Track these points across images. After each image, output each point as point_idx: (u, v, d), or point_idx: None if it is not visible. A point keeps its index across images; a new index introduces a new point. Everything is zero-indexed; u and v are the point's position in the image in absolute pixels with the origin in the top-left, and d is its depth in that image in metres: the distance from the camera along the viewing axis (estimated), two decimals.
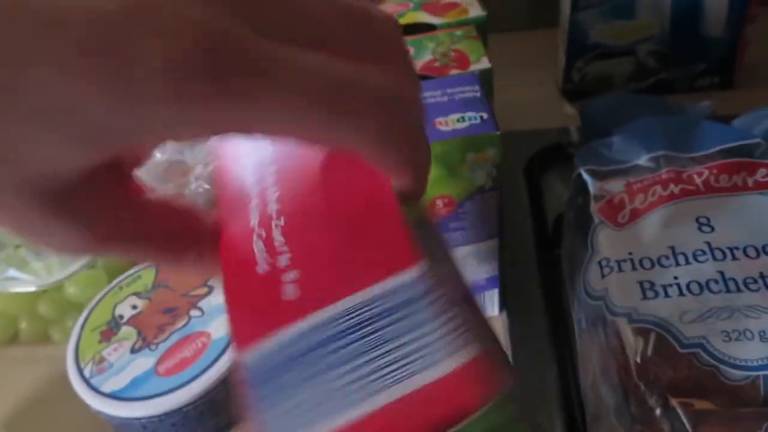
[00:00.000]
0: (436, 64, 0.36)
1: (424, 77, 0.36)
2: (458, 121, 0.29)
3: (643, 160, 0.34)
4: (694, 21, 0.50)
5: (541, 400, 0.33)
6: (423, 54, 0.37)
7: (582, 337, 0.31)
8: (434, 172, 0.30)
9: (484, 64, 0.36)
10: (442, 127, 0.29)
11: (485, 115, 0.29)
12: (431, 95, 0.31)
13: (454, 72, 0.36)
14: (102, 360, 0.37)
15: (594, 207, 0.33)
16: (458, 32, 0.39)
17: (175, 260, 0.18)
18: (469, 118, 0.29)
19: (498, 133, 0.29)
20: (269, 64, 0.13)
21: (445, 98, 0.31)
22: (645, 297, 0.28)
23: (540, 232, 0.45)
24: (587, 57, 0.54)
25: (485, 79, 0.36)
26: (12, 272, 0.40)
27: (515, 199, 0.47)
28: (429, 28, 0.40)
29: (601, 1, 0.50)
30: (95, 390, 0.35)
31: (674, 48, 0.52)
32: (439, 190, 0.29)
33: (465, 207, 0.31)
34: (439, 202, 0.31)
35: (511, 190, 0.47)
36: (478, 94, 0.31)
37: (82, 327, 0.39)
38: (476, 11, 0.41)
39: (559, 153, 0.51)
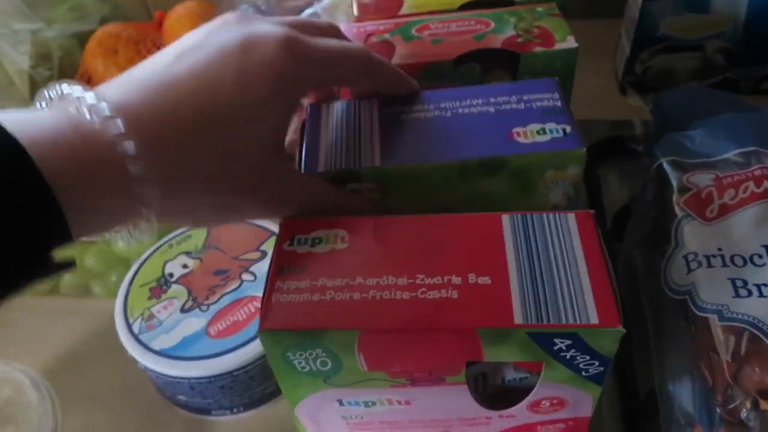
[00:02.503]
0: (519, 40, 0.35)
1: (506, 52, 0.35)
2: (538, 133, 0.27)
3: (731, 154, 0.33)
4: None
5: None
6: (504, 29, 0.36)
7: (659, 332, 0.30)
8: (507, 186, 0.28)
9: (571, 43, 0.34)
10: (521, 139, 0.27)
11: (568, 128, 0.27)
12: (505, 101, 0.29)
13: (538, 50, 0.34)
14: (151, 317, 0.36)
15: (678, 199, 0.32)
16: (540, 8, 0.37)
17: None
18: (551, 131, 0.27)
19: (584, 150, 0.26)
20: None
21: (522, 105, 0.29)
22: (737, 295, 0.27)
23: (600, 224, 0.44)
24: (653, 49, 0.52)
25: (571, 59, 0.35)
26: None
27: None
28: (508, 3, 0.39)
29: None
30: (145, 346, 0.34)
31: (744, 47, 0.51)
32: (509, 208, 0.26)
33: None
34: None
35: None
36: (559, 103, 0.28)
37: (131, 282, 0.38)
38: None
39: (617, 145, 0.50)
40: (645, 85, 0.54)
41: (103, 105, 0.21)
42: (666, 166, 0.34)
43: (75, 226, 0.20)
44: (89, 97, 0.21)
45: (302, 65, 0.25)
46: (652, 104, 0.43)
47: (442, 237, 0.25)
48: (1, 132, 0.19)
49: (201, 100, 0.23)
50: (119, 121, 0.21)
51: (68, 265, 0.21)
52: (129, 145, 0.21)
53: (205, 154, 0.23)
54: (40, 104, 0.23)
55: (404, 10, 0.39)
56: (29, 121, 0.20)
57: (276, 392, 0.37)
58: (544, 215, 0.25)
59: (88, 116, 0.21)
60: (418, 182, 0.27)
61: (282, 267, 0.24)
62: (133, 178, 0.21)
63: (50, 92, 0.22)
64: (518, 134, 0.27)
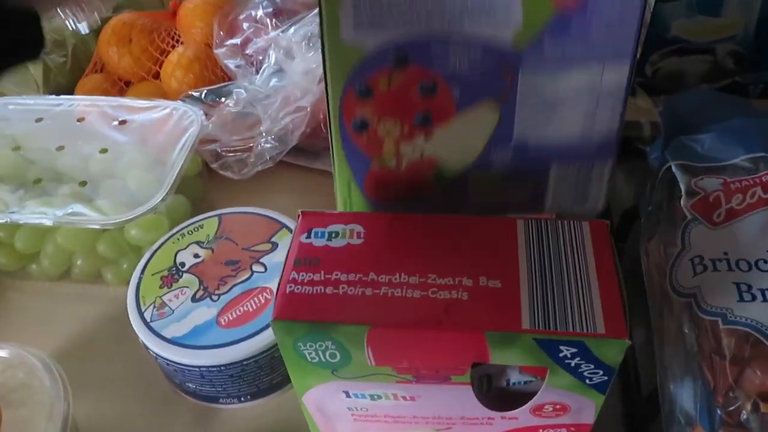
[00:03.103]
0: None
1: None
2: None
3: (740, 160, 0.33)
4: None
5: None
6: None
7: (662, 332, 0.31)
8: None
9: None
10: None
11: None
12: None
13: None
14: (163, 305, 0.36)
15: (686, 202, 0.32)
16: None
17: None
18: None
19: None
20: None
21: None
22: (742, 299, 0.28)
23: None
24: (664, 51, 0.53)
25: None
26: (77, 207, 0.40)
27: None
28: None
29: None
30: (157, 334, 0.35)
31: (755, 51, 0.51)
32: None
33: None
34: None
35: None
36: None
37: (143, 270, 0.38)
38: None
39: (625, 145, 0.50)
40: (654, 86, 0.54)
41: None
42: (675, 170, 0.34)
43: None
44: None
45: None
46: (661, 106, 0.43)
47: (456, 238, 0.25)
48: None
49: None
50: None
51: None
52: None
53: None
54: None
55: None
56: None
57: (283, 382, 0.37)
58: (559, 222, 0.25)
59: None
60: None
61: (298, 259, 0.25)
62: None
63: None
64: None
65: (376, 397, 0.26)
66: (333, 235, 0.26)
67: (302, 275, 0.24)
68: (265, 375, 0.36)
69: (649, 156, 0.43)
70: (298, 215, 0.27)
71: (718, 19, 0.50)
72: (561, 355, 0.22)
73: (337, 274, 0.24)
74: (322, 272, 0.24)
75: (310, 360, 0.25)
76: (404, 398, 0.26)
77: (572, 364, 0.23)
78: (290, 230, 0.40)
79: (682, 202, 0.33)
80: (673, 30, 0.51)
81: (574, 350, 0.22)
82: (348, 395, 0.26)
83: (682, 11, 0.50)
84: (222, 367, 0.34)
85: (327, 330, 0.23)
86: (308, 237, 0.26)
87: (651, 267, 0.33)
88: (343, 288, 0.24)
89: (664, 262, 0.32)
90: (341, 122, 0.28)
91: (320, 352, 0.24)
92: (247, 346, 0.34)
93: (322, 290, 0.24)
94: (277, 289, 0.24)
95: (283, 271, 0.25)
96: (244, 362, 0.34)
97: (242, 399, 0.37)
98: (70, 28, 0.57)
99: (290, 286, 0.24)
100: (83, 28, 0.57)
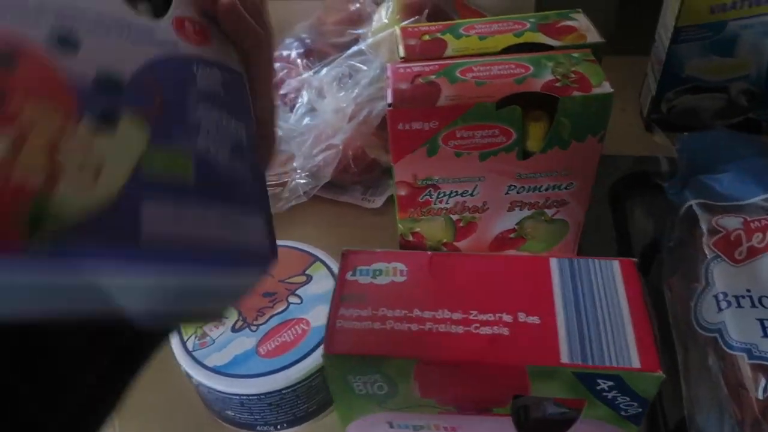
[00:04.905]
0: (558, 84, 0.37)
1: (546, 96, 0.37)
2: None
3: (759, 199, 0.35)
4: None
5: None
6: (543, 73, 0.38)
7: (687, 365, 0.32)
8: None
9: (606, 88, 0.37)
10: None
11: None
12: None
13: (576, 94, 0.36)
14: (204, 335, 0.38)
15: (708, 241, 0.34)
16: (576, 54, 0.39)
17: None
18: None
19: None
20: None
21: None
22: (766, 335, 0.29)
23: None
24: (679, 89, 0.55)
25: (607, 103, 0.37)
26: None
27: (599, 221, 0.48)
28: (545, 48, 0.41)
29: (703, 35, 0.51)
30: (199, 363, 0.36)
31: (767, 89, 0.53)
32: None
33: None
34: None
35: (595, 213, 0.47)
36: None
37: None
38: (594, 37, 0.41)
39: (643, 180, 0.52)
40: (670, 122, 0.56)
41: None
42: (696, 208, 0.36)
43: None
44: None
45: None
46: (678, 144, 0.45)
47: (493, 275, 0.27)
48: None
49: None
50: None
51: None
52: None
53: None
54: None
55: (448, 52, 0.41)
56: None
57: (318, 410, 0.38)
58: (590, 260, 0.27)
59: None
60: None
61: (344, 295, 0.27)
62: None
63: None
64: None
65: (419, 427, 0.28)
66: (377, 272, 0.27)
67: (350, 311, 0.26)
68: (302, 403, 0.37)
69: (667, 191, 0.45)
70: (342, 254, 0.29)
71: (731, 59, 0.52)
72: (598, 387, 0.24)
73: (383, 310, 0.26)
74: (369, 308, 0.26)
75: (357, 392, 0.26)
76: (446, 429, 0.27)
77: (609, 397, 0.24)
78: (323, 263, 0.42)
79: (704, 240, 0.34)
80: (688, 69, 0.53)
81: (611, 383, 0.23)
82: (392, 426, 0.28)
83: (696, 52, 0.52)
84: (262, 396, 0.36)
85: (377, 364, 0.25)
86: (353, 275, 0.27)
87: (674, 301, 0.35)
88: (389, 323, 0.25)
89: (688, 297, 0.33)
90: None
91: (368, 385, 0.26)
92: (286, 375, 0.35)
93: (370, 325, 0.25)
94: (327, 324, 0.26)
95: (330, 307, 0.26)
96: (283, 391, 0.36)
97: (279, 426, 0.38)
98: None
99: (339, 322, 0.26)
100: None
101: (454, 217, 0.42)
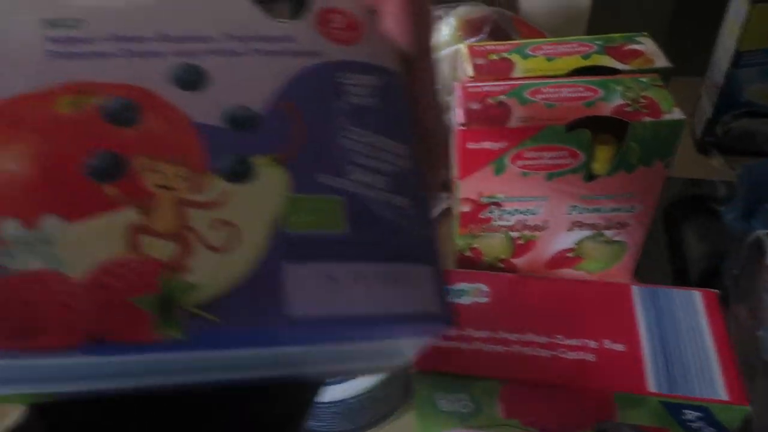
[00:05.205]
0: (628, 109, 0.38)
1: (616, 120, 0.37)
2: None
3: None
4: None
5: None
6: (613, 97, 0.38)
7: (758, 393, 0.32)
8: None
9: (677, 114, 0.37)
10: None
11: None
12: None
13: (647, 119, 0.37)
14: None
15: None
16: (644, 79, 0.40)
17: None
18: None
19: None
20: None
21: None
22: None
23: (681, 282, 0.46)
24: (736, 113, 0.55)
25: (677, 129, 0.37)
26: None
27: (653, 243, 0.48)
28: (612, 72, 0.42)
29: (764, 60, 0.51)
30: None
31: None
32: None
33: None
34: None
35: (649, 235, 0.48)
36: None
37: None
38: (661, 62, 0.42)
39: (698, 203, 0.52)
40: (725, 146, 0.56)
41: None
42: (764, 239, 0.36)
43: None
44: None
45: None
46: (740, 170, 0.45)
47: (574, 299, 0.27)
48: None
49: None
50: None
51: None
52: None
53: None
54: None
55: (515, 73, 0.42)
56: None
57: (378, 420, 0.39)
58: (672, 290, 0.27)
59: None
60: None
61: None
62: None
63: None
64: None
65: None
66: (461, 293, 0.28)
67: None
68: (365, 412, 0.38)
69: (724, 216, 0.45)
70: None
71: None
72: (684, 417, 0.24)
73: (469, 331, 0.27)
74: (455, 328, 0.27)
75: (441, 409, 0.27)
76: None
77: (693, 426, 0.24)
78: None
79: None
80: (746, 94, 0.53)
81: (698, 414, 0.24)
82: None
83: (757, 77, 0.52)
84: (328, 404, 0.36)
85: (465, 383, 0.25)
86: None
87: (740, 330, 0.35)
88: (476, 344, 0.26)
89: (755, 326, 0.33)
90: None
91: (454, 402, 0.26)
92: (353, 384, 0.36)
93: (457, 345, 0.26)
94: None
95: None
96: (349, 400, 0.37)
97: None
98: None
99: None
100: None
101: (514, 235, 0.43)
